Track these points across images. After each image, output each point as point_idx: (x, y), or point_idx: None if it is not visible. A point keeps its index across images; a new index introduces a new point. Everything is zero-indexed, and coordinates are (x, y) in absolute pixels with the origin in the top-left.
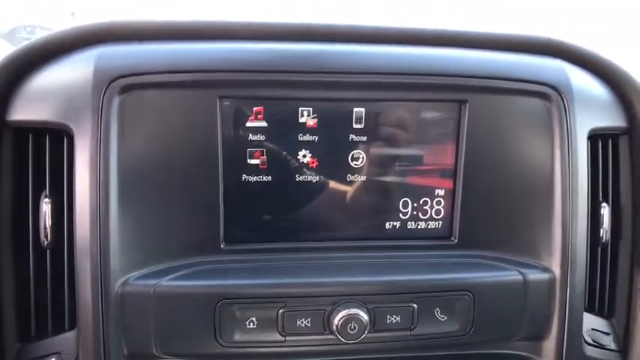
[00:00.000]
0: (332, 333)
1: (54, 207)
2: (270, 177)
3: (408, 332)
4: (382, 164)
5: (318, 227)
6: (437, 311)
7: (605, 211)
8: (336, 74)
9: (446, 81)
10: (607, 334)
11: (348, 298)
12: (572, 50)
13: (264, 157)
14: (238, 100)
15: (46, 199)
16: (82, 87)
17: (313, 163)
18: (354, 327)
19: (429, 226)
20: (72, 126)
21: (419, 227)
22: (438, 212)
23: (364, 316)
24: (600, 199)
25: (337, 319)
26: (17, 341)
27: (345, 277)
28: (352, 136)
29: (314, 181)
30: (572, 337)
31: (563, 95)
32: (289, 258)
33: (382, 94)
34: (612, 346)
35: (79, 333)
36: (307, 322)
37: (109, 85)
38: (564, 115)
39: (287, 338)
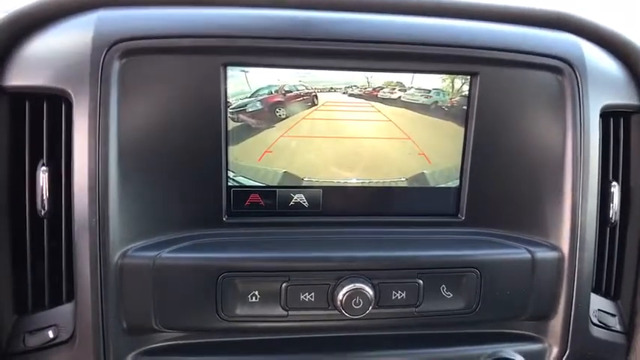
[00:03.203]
0: (336, 308)
1: (51, 176)
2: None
3: (414, 309)
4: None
5: (323, 202)
6: (443, 288)
7: (615, 190)
8: (344, 42)
9: (457, 52)
10: (613, 315)
11: (353, 273)
12: (586, 25)
13: None
14: (243, 67)
15: (43, 168)
16: (81, 51)
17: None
18: (359, 302)
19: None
20: (70, 91)
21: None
22: None
23: (369, 291)
24: (610, 178)
25: (342, 294)
26: (13, 313)
27: (350, 252)
28: None
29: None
30: (579, 317)
31: (576, 70)
32: (293, 232)
33: (392, 64)
34: (618, 327)
35: (77, 305)
36: (311, 296)
37: (109, 49)
38: (577, 91)
39: (290, 313)
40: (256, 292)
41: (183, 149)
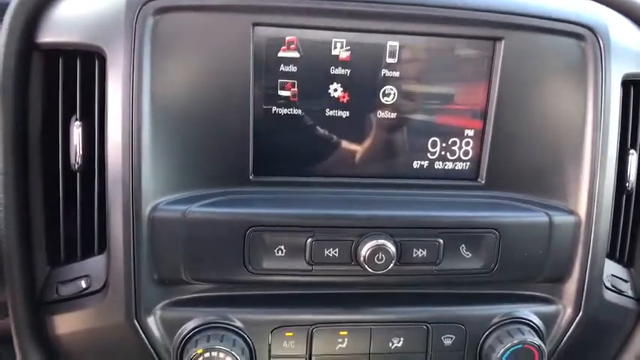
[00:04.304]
0: (359, 264)
1: (84, 130)
2: (300, 110)
3: (433, 267)
4: (413, 102)
5: (347, 163)
6: (462, 248)
7: (633, 158)
8: (370, 3)
9: (482, 16)
10: (625, 281)
11: (376, 230)
12: None
13: (295, 89)
14: (272, 27)
15: (77, 123)
16: (115, 8)
17: (344, 97)
18: (382, 257)
19: (457, 167)
20: (104, 47)
21: (446, 167)
22: (466, 153)
23: (391, 248)
24: (629, 146)
25: (365, 250)
26: (47, 265)
27: (374, 210)
28: (385, 71)
29: (344, 116)
30: (593, 280)
31: (599, 37)
32: (317, 192)
33: (417, 26)
34: (630, 293)
35: (109, 256)
36: (335, 252)
37: (142, 6)
38: (599, 58)
39: (314, 267)
40: (282, 247)
41: (213, 107)
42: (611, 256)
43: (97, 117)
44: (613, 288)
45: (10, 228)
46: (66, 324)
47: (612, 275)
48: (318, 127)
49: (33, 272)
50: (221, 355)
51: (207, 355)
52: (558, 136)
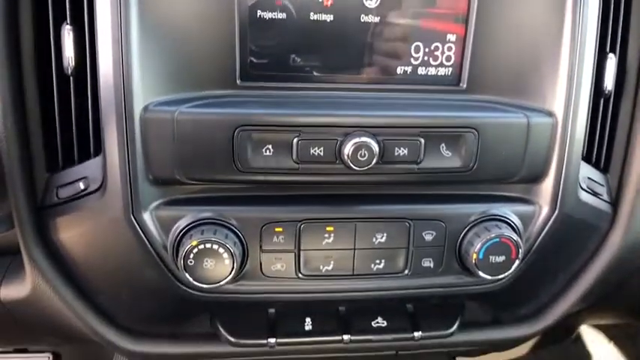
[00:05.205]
0: (343, 162)
1: (76, 35)
2: (284, 14)
3: (415, 165)
4: (396, 6)
5: (332, 68)
6: (442, 147)
7: (612, 62)
8: None
9: None
10: (601, 185)
11: (359, 129)
12: None
13: None
14: None
15: (68, 27)
16: None
17: (328, 1)
18: (364, 154)
19: (439, 73)
20: None
21: (429, 73)
22: (448, 58)
23: (374, 145)
24: (607, 50)
25: (348, 148)
26: (46, 171)
27: (357, 111)
28: None
29: (328, 20)
30: (569, 180)
31: None
32: (304, 95)
33: None
34: (605, 197)
35: (105, 157)
36: (320, 150)
37: None
38: None
39: (301, 166)
40: (270, 146)
41: (199, 12)
42: (588, 160)
43: (86, 22)
44: (589, 190)
45: (10, 137)
46: (67, 226)
47: (589, 178)
48: (302, 33)
49: (33, 179)
50: (214, 246)
51: (201, 247)
52: (537, 39)
